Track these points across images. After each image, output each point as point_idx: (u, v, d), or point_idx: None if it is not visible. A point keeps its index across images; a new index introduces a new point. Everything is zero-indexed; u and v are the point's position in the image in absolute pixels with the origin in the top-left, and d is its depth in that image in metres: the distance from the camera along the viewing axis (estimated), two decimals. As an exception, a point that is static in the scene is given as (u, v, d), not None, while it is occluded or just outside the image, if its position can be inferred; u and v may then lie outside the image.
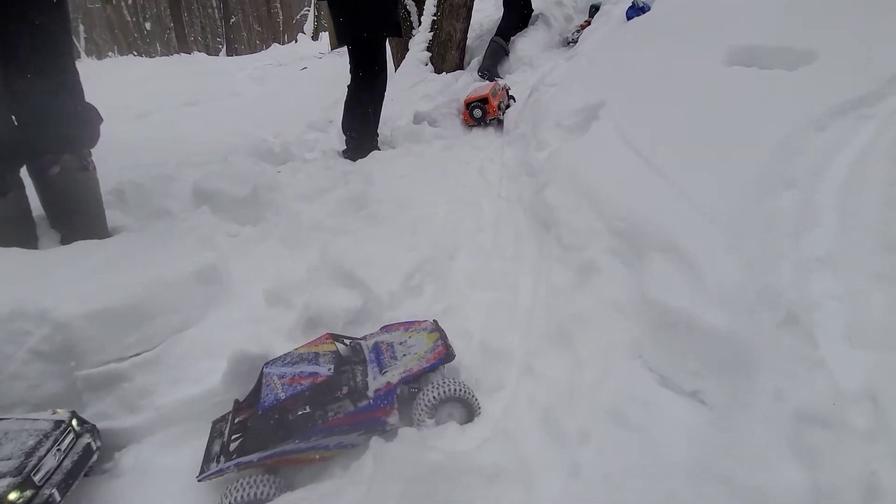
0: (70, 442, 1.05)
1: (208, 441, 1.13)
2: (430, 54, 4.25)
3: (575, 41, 3.94)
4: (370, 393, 1.10)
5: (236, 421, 1.14)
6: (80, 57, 9.60)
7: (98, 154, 1.83)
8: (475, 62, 4.21)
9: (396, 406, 1.11)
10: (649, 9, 2.93)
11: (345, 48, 2.78)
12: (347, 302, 1.41)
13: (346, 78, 2.78)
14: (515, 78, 3.77)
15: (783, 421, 0.87)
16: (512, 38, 4.23)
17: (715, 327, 1.03)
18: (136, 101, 4.80)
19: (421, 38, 4.30)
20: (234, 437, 1.11)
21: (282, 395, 1.05)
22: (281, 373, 1.10)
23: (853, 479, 0.78)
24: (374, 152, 2.67)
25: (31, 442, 1.00)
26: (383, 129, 2.99)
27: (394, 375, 1.13)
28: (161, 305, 1.32)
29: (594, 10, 4.09)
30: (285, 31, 19.36)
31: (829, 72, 1.65)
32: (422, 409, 1.10)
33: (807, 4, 2.09)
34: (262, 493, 0.99)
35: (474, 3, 4.25)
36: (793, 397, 0.89)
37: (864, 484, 0.77)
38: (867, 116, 1.46)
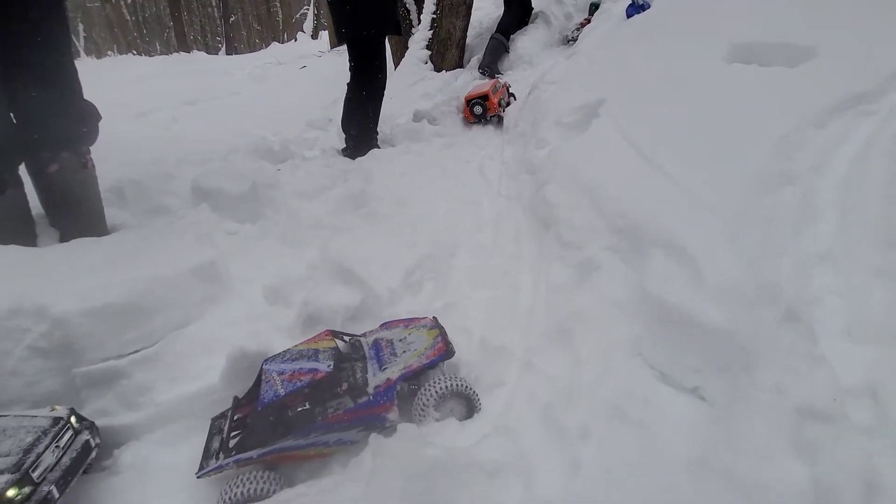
0: (69, 439, 1.05)
1: (207, 438, 1.13)
2: (429, 52, 4.24)
3: (575, 39, 3.93)
4: (370, 389, 1.10)
5: (235, 418, 1.14)
6: (79, 56, 9.59)
7: (97, 152, 1.82)
8: (475, 60, 4.21)
9: (396, 402, 1.10)
10: (649, 6, 2.93)
11: (344, 46, 2.77)
12: (347, 299, 1.41)
13: (346, 76, 2.78)
14: (515, 76, 3.77)
15: (783, 416, 0.87)
16: (512, 35, 4.23)
17: (715, 323, 1.03)
18: (136, 99, 4.80)
19: (420, 36, 4.29)
20: (233, 433, 1.11)
21: (281, 392, 1.04)
22: (280, 369, 1.10)
23: (853, 474, 0.77)
24: (374, 150, 2.67)
25: (30, 439, 0.99)
26: (383, 127, 2.99)
27: (394, 372, 1.12)
28: (160, 302, 1.32)
29: (594, 7, 4.09)
30: (285, 30, 19.35)
31: (829, 68, 1.65)
32: (423, 405, 1.10)
33: (807, 1, 2.09)
34: (260, 490, 0.99)
35: (474, 1, 4.25)
36: (793, 393, 0.88)
37: (864, 479, 0.77)
38: (867, 113, 1.46)
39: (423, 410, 1.11)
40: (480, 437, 1.00)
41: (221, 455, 1.04)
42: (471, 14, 4.32)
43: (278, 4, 20.28)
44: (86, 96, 1.73)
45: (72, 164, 1.68)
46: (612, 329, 1.21)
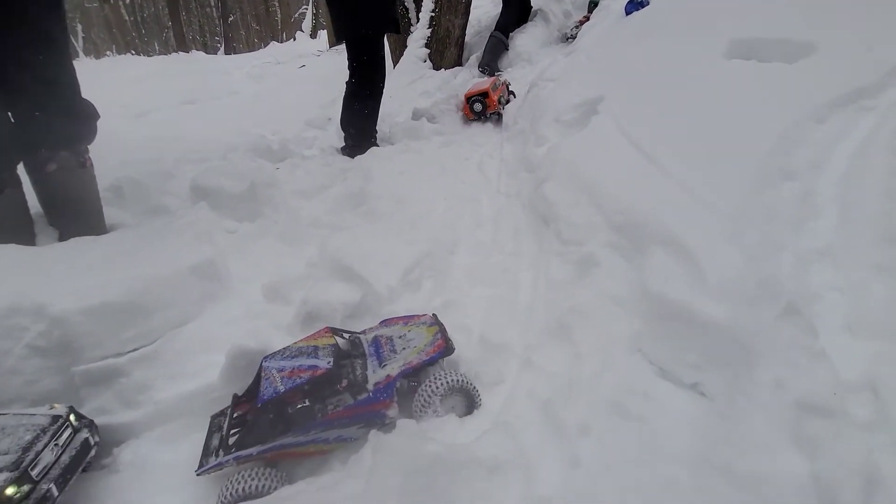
0: (68, 437, 1.05)
1: (207, 435, 1.13)
2: (428, 51, 4.24)
3: (574, 37, 3.93)
4: (370, 386, 1.10)
5: (235, 415, 1.14)
6: (77, 56, 9.59)
7: (96, 152, 1.82)
8: (474, 58, 4.20)
9: (396, 399, 1.10)
10: (648, 3, 2.93)
11: (343, 45, 2.77)
12: (346, 296, 1.41)
13: (345, 75, 2.77)
14: (514, 74, 3.76)
15: (784, 411, 0.86)
16: (511, 33, 4.22)
17: (715, 319, 1.03)
18: (135, 99, 4.79)
19: (419, 34, 4.29)
20: (232, 431, 1.11)
21: (281, 388, 1.04)
22: (280, 366, 1.10)
23: (854, 469, 0.77)
24: (373, 149, 2.67)
25: (29, 437, 0.99)
26: (382, 125, 2.99)
27: (393, 368, 1.12)
28: (159, 301, 1.32)
29: (593, 5, 4.08)
30: (283, 30, 19.33)
31: (828, 64, 1.65)
32: (426, 401, 1.10)
33: (806, -3, 2.08)
34: (260, 487, 0.98)
35: (472, -1, 4.25)
36: (793, 388, 0.88)
37: (864, 474, 0.77)
38: (867, 108, 1.46)
39: (424, 406, 1.10)
40: (480, 433, 1.00)
41: (221, 452, 1.04)
42: (469, 12, 4.31)
43: (277, 4, 20.26)
44: (84, 96, 1.73)
45: (70, 163, 1.67)
46: (612, 325, 1.21)
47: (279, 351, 1.17)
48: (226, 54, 13.88)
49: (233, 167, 2.00)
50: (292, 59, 8.50)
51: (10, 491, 0.90)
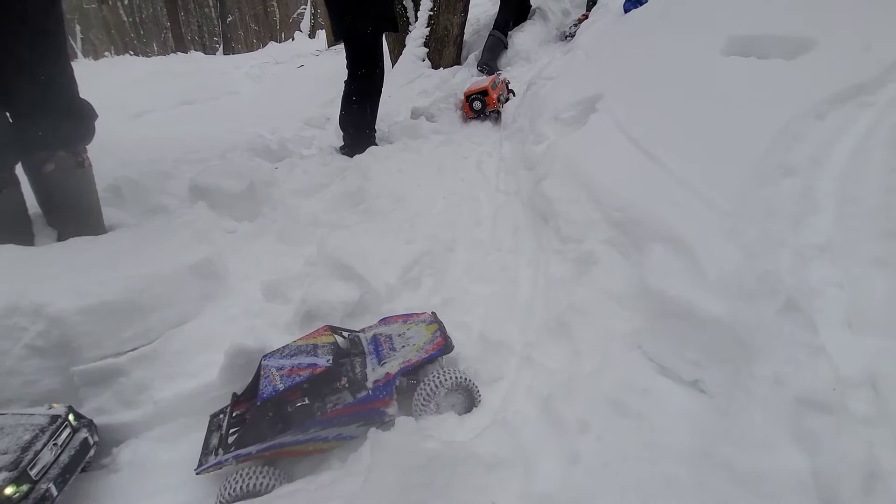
0: (67, 437, 1.05)
1: (206, 434, 1.13)
2: (427, 50, 4.24)
3: (572, 35, 3.93)
4: (369, 384, 1.10)
5: (234, 414, 1.14)
6: (76, 57, 9.58)
7: (95, 152, 1.82)
8: (472, 57, 4.20)
9: (395, 397, 1.10)
10: (646, 1, 2.92)
11: (342, 45, 2.77)
12: (345, 295, 1.41)
13: (344, 74, 2.77)
14: (513, 72, 3.76)
15: (783, 407, 0.86)
16: (510, 32, 4.22)
17: (715, 315, 1.02)
18: (133, 100, 4.78)
19: (418, 33, 4.28)
20: (232, 430, 1.11)
21: (280, 386, 1.04)
22: (279, 364, 1.10)
23: (854, 464, 0.77)
24: (372, 148, 2.66)
25: (28, 437, 0.99)
26: (381, 125, 2.98)
27: (393, 366, 1.12)
28: (157, 300, 1.32)
29: (592, 3, 4.08)
30: (282, 30, 19.31)
31: (827, 60, 1.64)
32: (425, 398, 1.10)
33: (805, -6, 2.08)
34: (259, 485, 0.98)
35: (471, -3, 4.24)
36: (793, 383, 0.88)
37: (864, 469, 0.76)
38: (866, 104, 1.45)
39: (424, 404, 1.10)
40: (479, 430, 1.00)
41: (220, 451, 1.04)
42: (468, 11, 4.31)
43: (275, 4, 20.25)
44: (83, 97, 1.73)
45: (68, 162, 1.67)
46: (612, 322, 1.21)
47: (278, 349, 1.17)
48: (224, 55, 13.85)
49: (232, 167, 2.00)
50: (291, 58, 8.48)
51: (9, 490, 0.90)
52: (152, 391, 1.22)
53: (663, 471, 0.86)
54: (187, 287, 1.40)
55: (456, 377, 1.11)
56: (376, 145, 2.78)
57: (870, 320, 0.99)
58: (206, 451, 1.08)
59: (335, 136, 3.09)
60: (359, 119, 2.80)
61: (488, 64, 3.93)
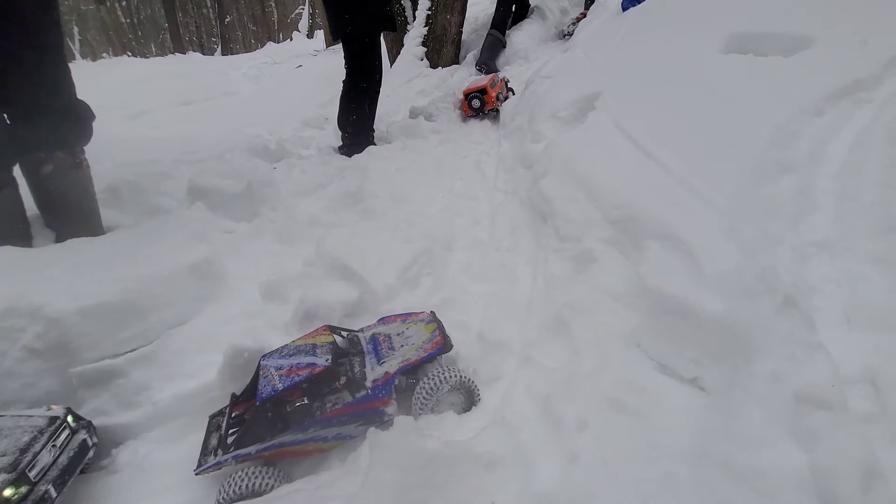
0: (65, 438, 1.04)
1: (205, 435, 1.12)
2: (425, 49, 4.23)
3: (570, 34, 3.93)
4: (368, 383, 1.09)
5: (233, 414, 1.14)
6: (74, 59, 9.56)
7: (93, 153, 1.82)
8: (471, 56, 4.20)
9: (394, 396, 1.10)
10: (644, -1, 2.92)
11: (340, 45, 2.76)
12: (343, 295, 1.40)
13: (342, 74, 2.77)
14: (511, 71, 3.76)
15: (782, 404, 0.86)
16: (508, 31, 4.21)
17: (713, 313, 1.02)
18: (131, 101, 4.78)
19: (416, 33, 4.28)
20: (231, 430, 1.11)
21: (279, 386, 1.04)
22: (278, 364, 1.09)
23: (852, 460, 0.77)
24: (370, 147, 2.66)
25: (26, 438, 0.99)
26: (379, 124, 2.98)
27: (392, 365, 1.12)
28: (156, 300, 1.32)
29: (590, 2, 4.08)
30: (280, 30, 19.30)
31: (825, 57, 1.65)
32: (424, 397, 1.10)
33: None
34: (259, 485, 0.98)
35: (469, -4, 4.24)
36: (792, 380, 0.88)
37: (863, 465, 0.76)
38: (864, 100, 1.45)
39: (423, 403, 1.10)
40: (478, 429, 1.00)
41: (220, 451, 1.04)
42: (466, 10, 4.30)
43: (273, 4, 20.23)
44: (80, 98, 1.72)
45: (66, 163, 1.67)
46: (610, 321, 1.21)
47: (277, 349, 1.16)
48: (223, 55, 13.85)
49: (230, 167, 2.00)
50: (289, 59, 8.47)
51: (7, 492, 0.90)
52: (151, 392, 1.22)
53: (662, 469, 0.86)
54: (186, 288, 1.40)
55: (459, 376, 1.11)
56: (375, 145, 2.78)
57: (868, 317, 0.99)
58: (206, 451, 1.07)
59: (334, 136, 3.09)
60: (357, 119, 2.80)
61: (487, 63, 3.93)
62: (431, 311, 1.30)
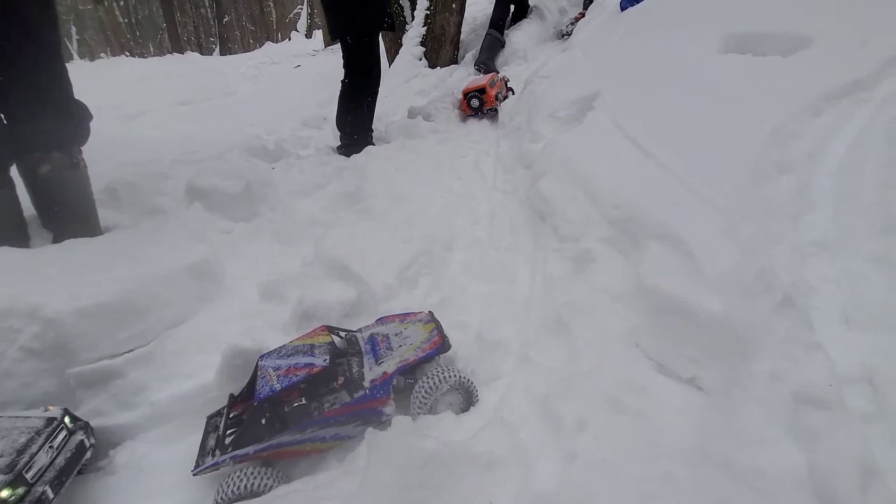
0: (63, 439, 1.04)
1: (203, 435, 1.12)
2: (423, 49, 4.23)
3: (569, 34, 3.93)
4: (366, 383, 1.09)
5: (231, 415, 1.14)
6: (72, 59, 9.54)
7: (91, 154, 1.81)
8: (470, 56, 4.20)
9: (392, 396, 1.10)
10: (643, -1, 2.92)
11: (339, 45, 2.76)
12: (342, 295, 1.40)
13: (340, 74, 2.77)
14: (510, 71, 3.76)
15: (781, 403, 0.86)
16: (506, 31, 4.22)
17: (712, 313, 1.02)
18: (129, 101, 4.77)
19: (414, 32, 4.28)
20: (229, 431, 1.10)
21: (277, 387, 1.04)
22: (276, 365, 1.09)
23: (850, 459, 0.77)
24: (369, 147, 2.66)
25: (23, 439, 0.98)
26: (378, 124, 2.98)
27: (390, 365, 1.12)
28: (153, 300, 1.31)
29: (588, 2, 4.08)
30: (279, 30, 19.29)
31: (824, 57, 1.65)
32: (423, 397, 1.10)
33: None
34: (257, 486, 0.98)
35: (467, -4, 4.24)
36: (790, 380, 0.88)
37: (861, 464, 0.76)
38: (863, 100, 1.46)
39: (422, 403, 1.10)
40: (477, 429, 1.00)
41: (218, 452, 1.04)
42: (464, 10, 4.30)
43: (272, 4, 20.22)
44: (79, 99, 1.72)
45: (63, 164, 1.66)
46: (609, 320, 1.20)
47: (275, 350, 1.16)
48: (221, 55, 13.84)
49: (228, 167, 1.99)
50: (288, 59, 8.46)
51: (4, 494, 0.89)
52: (149, 393, 1.22)
53: (661, 468, 0.86)
54: (184, 288, 1.39)
55: (459, 376, 1.11)
56: (373, 145, 2.78)
57: (867, 317, 0.99)
58: (203, 452, 1.07)
59: (332, 136, 3.09)
60: (356, 118, 2.80)
61: (486, 63, 3.93)
62: (430, 311, 1.30)
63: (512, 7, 4.34)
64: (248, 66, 7.85)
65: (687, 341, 1.05)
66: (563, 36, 4.14)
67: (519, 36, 4.18)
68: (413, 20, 4.38)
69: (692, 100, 1.74)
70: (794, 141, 1.37)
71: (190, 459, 1.07)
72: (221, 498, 0.98)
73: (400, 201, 2.05)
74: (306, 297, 1.38)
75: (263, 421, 1.06)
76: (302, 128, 3.60)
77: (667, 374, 1.05)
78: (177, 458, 1.13)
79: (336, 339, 1.23)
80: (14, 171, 1.67)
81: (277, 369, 1.08)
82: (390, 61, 4.54)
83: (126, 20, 19.82)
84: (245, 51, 15.03)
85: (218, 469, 1.03)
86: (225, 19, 18.97)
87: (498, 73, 3.84)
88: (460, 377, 1.11)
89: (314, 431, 1.05)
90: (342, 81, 2.77)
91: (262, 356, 1.14)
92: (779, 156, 1.34)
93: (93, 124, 1.76)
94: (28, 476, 0.94)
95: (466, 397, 1.14)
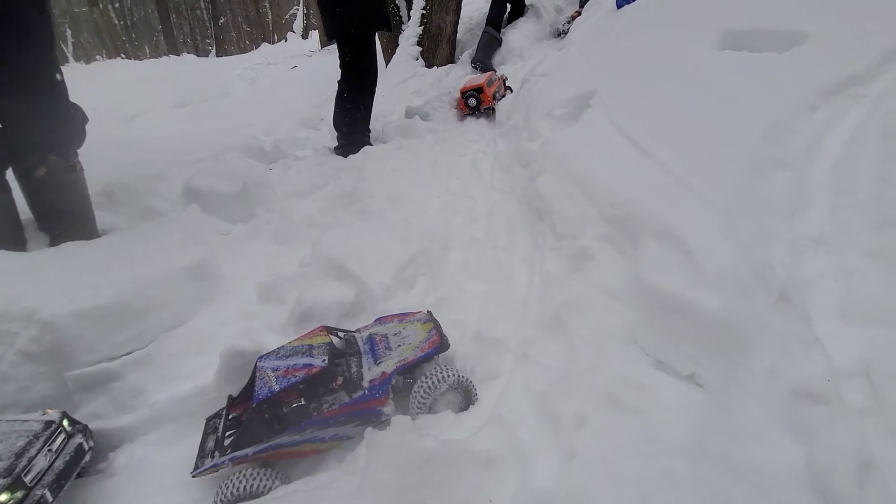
0: (61, 442, 1.04)
1: (202, 437, 1.12)
2: (420, 48, 4.23)
3: (565, 32, 3.93)
4: (365, 383, 1.09)
5: (230, 416, 1.13)
6: (67, 61, 9.51)
7: (87, 156, 1.80)
8: (466, 55, 4.19)
9: (391, 396, 1.10)
10: (639, -4, 2.92)
11: (335, 45, 2.76)
12: (340, 295, 1.40)
13: (337, 75, 2.76)
14: (507, 70, 3.76)
15: (778, 399, 0.87)
16: (503, 29, 4.21)
17: (710, 310, 1.02)
18: (125, 103, 4.75)
19: (411, 32, 4.27)
20: (228, 432, 1.10)
21: (276, 388, 1.04)
22: (275, 366, 1.09)
23: (848, 454, 0.77)
24: (366, 148, 2.65)
25: (21, 443, 0.98)
26: (375, 124, 2.97)
27: (389, 365, 1.12)
28: (151, 302, 1.31)
29: (584, 0, 4.07)
30: (275, 31, 19.25)
31: (820, 53, 1.65)
32: (422, 397, 1.10)
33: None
34: (256, 487, 0.98)
35: (464, -5, 4.23)
36: (788, 375, 0.88)
37: (859, 459, 0.77)
38: (859, 95, 1.46)
39: (421, 402, 1.10)
40: (476, 428, 1.00)
41: (217, 454, 1.04)
42: (461, 9, 4.30)
43: (267, 5, 20.17)
44: (75, 101, 1.71)
45: (59, 166, 1.66)
46: (607, 318, 1.21)
47: (274, 350, 1.16)
48: (217, 56, 13.80)
49: (225, 168, 1.99)
50: (284, 59, 8.45)
51: (3, 497, 0.89)
52: (147, 395, 1.22)
53: (660, 465, 0.86)
54: (181, 289, 1.39)
55: (457, 375, 1.11)
56: (371, 145, 2.77)
57: (863, 312, 0.99)
58: (203, 453, 1.07)
59: (329, 137, 3.08)
60: (353, 119, 2.79)
61: (482, 61, 3.93)
62: (428, 311, 1.30)
63: (508, 5, 4.34)
64: (244, 67, 7.83)
65: (685, 338, 1.05)
66: (559, 34, 4.13)
67: (515, 34, 4.17)
68: (409, 19, 4.37)
69: (688, 97, 1.74)
70: (790, 137, 1.38)
71: (189, 461, 1.07)
72: (221, 499, 0.98)
73: (397, 201, 2.05)
74: (304, 297, 1.38)
75: (262, 422, 1.05)
76: (299, 128, 3.60)
77: (665, 371, 1.05)
78: (176, 460, 1.13)
79: (334, 340, 1.23)
80: (10, 175, 1.66)
81: (276, 370, 1.08)
82: (387, 61, 4.53)
83: (121, 22, 19.75)
84: (241, 52, 14.99)
85: (217, 471, 1.03)
86: (221, 21, 18.92)
87: (496, 71, 3.85)
88: (459, 376, 1.11)
89: (313, 432, 1.05)
90: (339, 82, 2.76)
91: (260, 357, 1.14)
92: (775, 152, 1.34)
93: (89, 127, 1.75)
94: (27, 479, 0.94)
95: (465, 396, 1.14)
